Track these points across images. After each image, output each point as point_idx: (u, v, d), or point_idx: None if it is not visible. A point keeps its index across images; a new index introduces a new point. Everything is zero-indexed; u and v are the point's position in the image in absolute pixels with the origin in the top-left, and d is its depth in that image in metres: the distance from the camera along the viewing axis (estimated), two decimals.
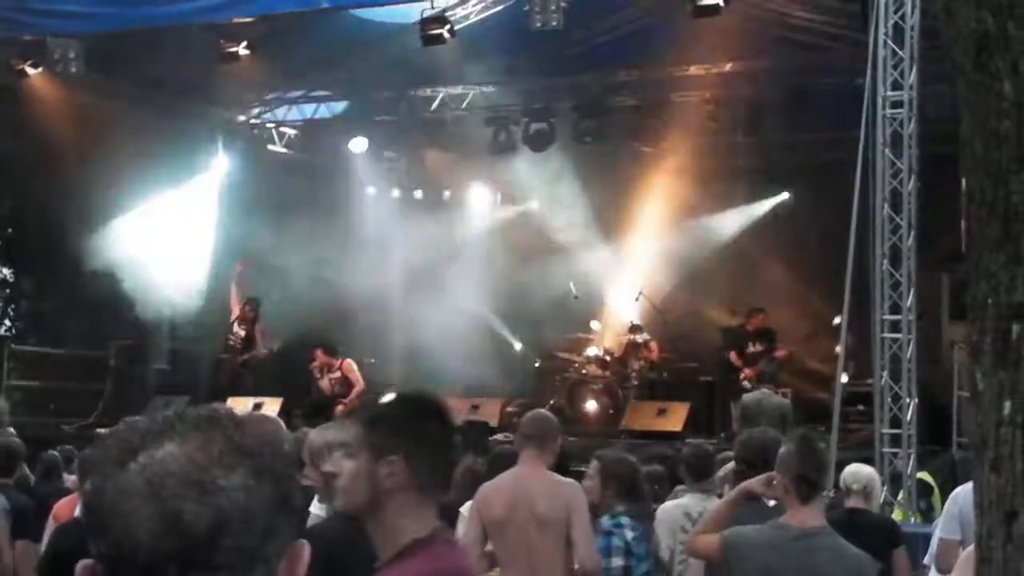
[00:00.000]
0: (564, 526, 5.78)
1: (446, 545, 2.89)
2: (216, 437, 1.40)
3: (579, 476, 6.84)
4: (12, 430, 9.43)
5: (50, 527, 7.01)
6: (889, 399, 10.90)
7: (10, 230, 18.12)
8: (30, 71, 15.86)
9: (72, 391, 17.01)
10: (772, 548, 4.50)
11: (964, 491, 6.46)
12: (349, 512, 3.01)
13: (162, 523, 1.34)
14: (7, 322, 18.43)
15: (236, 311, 17.13)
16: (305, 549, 1.46)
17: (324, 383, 16.35)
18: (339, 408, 15.77)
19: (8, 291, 18.51)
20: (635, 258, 18.93)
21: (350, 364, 16.49)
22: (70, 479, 7.29)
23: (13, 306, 18.42)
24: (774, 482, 4.68)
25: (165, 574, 1.34)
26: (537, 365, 18.35)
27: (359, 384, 16.28)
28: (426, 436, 2.88)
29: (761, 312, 16.43)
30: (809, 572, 4.47)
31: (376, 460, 2.81)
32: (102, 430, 14.60)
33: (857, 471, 6.95)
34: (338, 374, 16.39)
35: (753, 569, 4.47)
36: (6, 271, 18.40)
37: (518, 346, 19.23)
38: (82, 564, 1.41)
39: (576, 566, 5.82)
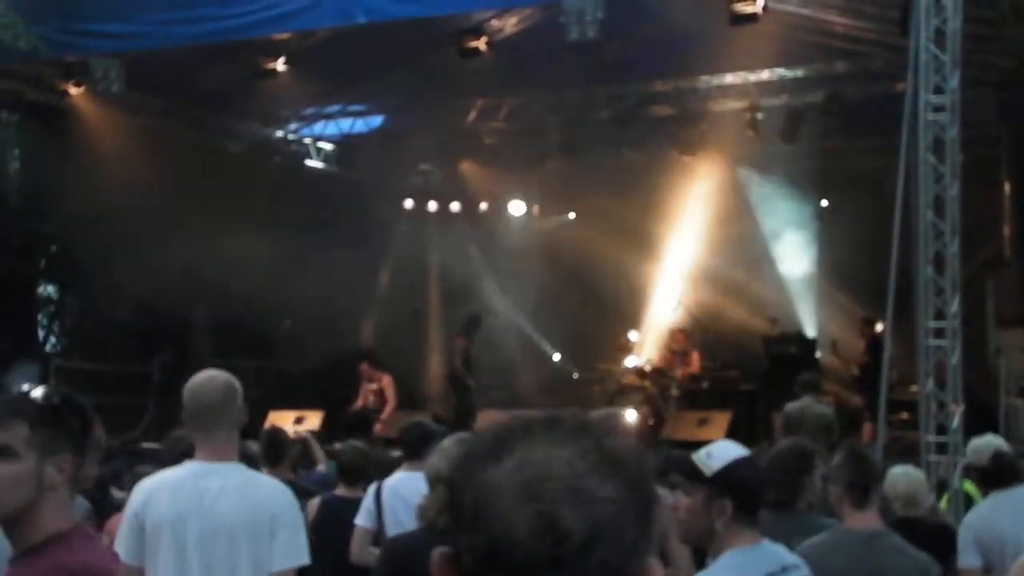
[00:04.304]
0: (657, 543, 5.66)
1: (86, 538, 2.92)
2: (590, 445, 1.37)
3: None
4: None
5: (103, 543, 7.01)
6: (935, 406, 10.80)
7: (54, 248, 18.29)
8: (73, 91, 16.07)
9: (117, 407, 17.10)
10: (844, 552, 4.63)
11: (975, 516, 6.40)
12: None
13: (540, 526, 1.31)
14: (52, 338, 18.61)
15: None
16: (657, 569, 1.40)
17: (361, 397, 16.39)
18: (378, 427, 15.81)
19: (53, 308, 18.69)
20: (673, 267, 18.90)
21: (390, 380, 16.51)
22: (119, 495, 7.32)
23: (58, 323, 18.60)
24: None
25: None
26: (576, 376, 18.32)
27: (392, 401, 16.29)
28: (83, 432, 2.91)
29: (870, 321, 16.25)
30: (882, 571, 4.64)
31: (44, 460, 2.81)
32: (147, 445, 14.71)
33: (895, 481, 6.63)
34: (375, 387, 16.43)
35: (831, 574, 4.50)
36: (51, 288, 18.58)
37: (557, 357, 19.21)
38: (441, 551, 1.39)
39: None
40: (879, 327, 14.22)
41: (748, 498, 3.81)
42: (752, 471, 3.87)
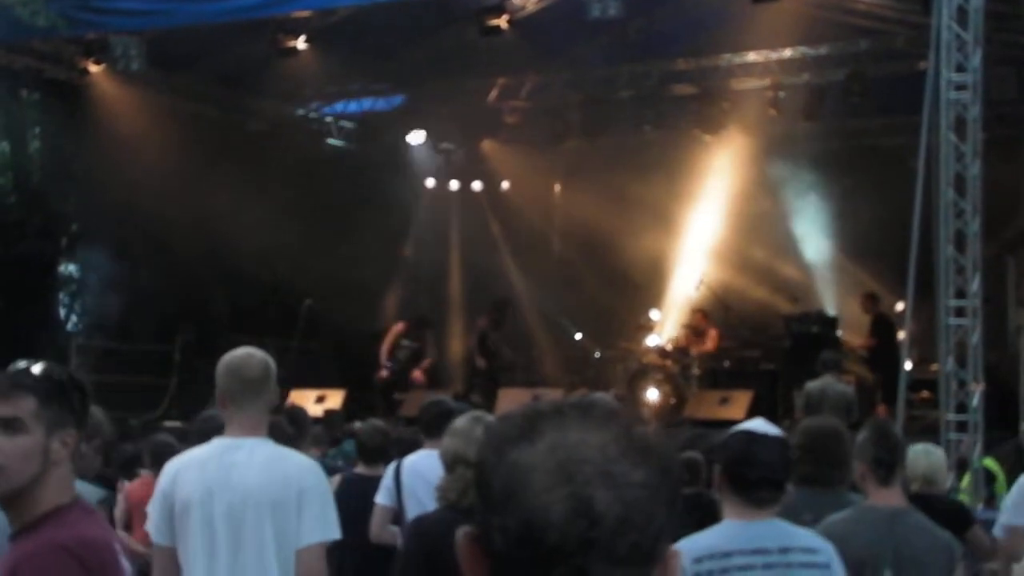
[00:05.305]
0: None
1: (83, 513, 2.92)
2: (620, 433, 1.39)
3: None
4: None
5: (121, 506, 7.21)
6: (955, 385, 10.78)
7: (75, 226, 18.37)
8: (93, 68, 16.10)
9: (138, 386, 17.21)
10: (867, 529, 4.60)
11: None
12: (4, 495, 2.88)
13: (575, 508, 1.33)
14: (73, 317, 18.70)
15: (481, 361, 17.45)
16: (679, 555, 1.42)
17: (403, 352, 16.69)
18: (416, 374, 16.21)
19: (74, 287, 18.78)
20: (695, 246, 18.86)
21: (429, 334, 17.01)
22: (144, 474, 7.44)
23: (79, 302, 18.69)
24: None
25: (570, 558, 1.33)
26: (598, 355, 18.32)
27: (431, 355, 16.79)
28: (84, 409, 2.95)
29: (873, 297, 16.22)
30: (904, 549, 4.60)
31: (51, 435, 2.83)
32: (169, 423, 14.79)
33: (915, 459, 6.54)
34: (416, 345, 16.77)
35: (855, 553, 4.46)
36: (72, 267, 18.67)
37: (578, 336, 19.22)
38: (466, 531, 1.41)
39: None
40: (900, 306, 14.18)
41: (733, 469, 3.85)
42: (741, 445, 3.89)
